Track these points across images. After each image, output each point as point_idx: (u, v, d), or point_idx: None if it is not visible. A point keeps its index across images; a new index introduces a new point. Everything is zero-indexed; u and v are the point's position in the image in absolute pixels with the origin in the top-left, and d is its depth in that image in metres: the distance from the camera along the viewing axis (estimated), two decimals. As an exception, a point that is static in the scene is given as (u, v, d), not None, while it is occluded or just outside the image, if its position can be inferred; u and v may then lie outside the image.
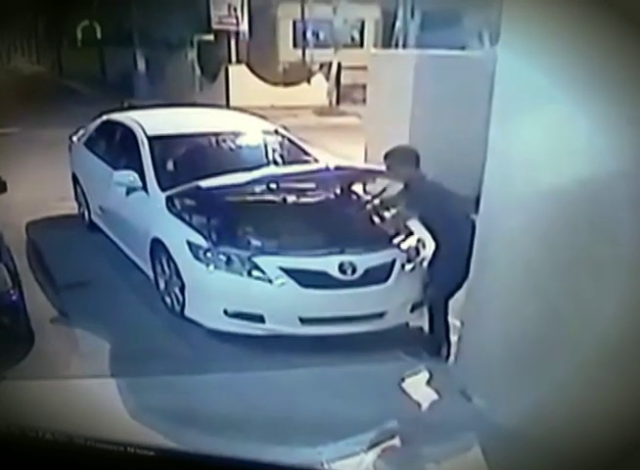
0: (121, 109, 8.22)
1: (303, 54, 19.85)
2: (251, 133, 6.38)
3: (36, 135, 11.58)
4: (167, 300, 5.03)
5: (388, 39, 16.02)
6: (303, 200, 5.21)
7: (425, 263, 4.64)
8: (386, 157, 4.54)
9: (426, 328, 4.64)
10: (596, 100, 2.87)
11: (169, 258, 4.91)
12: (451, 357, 4.39)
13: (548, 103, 3.11)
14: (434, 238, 4.44)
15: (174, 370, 4.18)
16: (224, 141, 6.08)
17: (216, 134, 6.10)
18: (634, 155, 2.77)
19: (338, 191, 5.39)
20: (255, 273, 4.52)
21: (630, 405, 2.81)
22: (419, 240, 4.75)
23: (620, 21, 2.76)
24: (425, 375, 4.28)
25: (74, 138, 7.56)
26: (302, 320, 4.49)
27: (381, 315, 4.62)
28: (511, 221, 3.53)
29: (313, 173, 5.55)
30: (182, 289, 4.80)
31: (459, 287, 4.33)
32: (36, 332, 4.33)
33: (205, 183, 5.09)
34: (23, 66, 35.56)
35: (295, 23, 20.42)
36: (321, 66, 18.80)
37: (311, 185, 5.34)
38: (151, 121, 6.31)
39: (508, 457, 3.22)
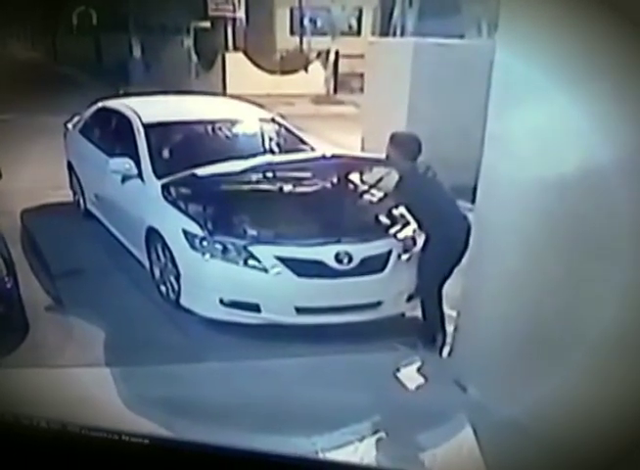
0: (117, 96, 8.17)
1: (301, 42, 19.75)
2: (248, 121, 6.35)
3: (31, 122, 11.51)
4: (163, 288, 5.01)
5: (385, 27, 15.94)
6: (300, 189, 5.19)
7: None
8: (391, 138, 4.49)
9: (420, 317, 4.65)
10: (596, 89, 2.85)
11: (165, 246, 4.89)
12: (447, 347, 4.40)
13: (546, 92, 3.09)
14: (425, 227, 4.46)
15: (169, 359, 4.16)
16: (220, 129, 6.05)
17: (212, 122, 6.07)
18: (634, 145, 2.76)
19: (334, 180, 5.36)
20: (251, 262, 4.51)
21: (627, 394, 2.82)
22: (415, 230, 4.74)
23: (620, 9, 2.74)
24: (420, 365, 4.29)
25: (69, 125, 7.52)
26: (298, 310, 4.49)
27: (377, 305, 4.62)
28: (507, 211, 3.52)
29: (310, 162, 5.52)
30: (177, 278, 4.79)
31: (449, 275, 4.37)
32: (31, 320, 4.32)
33: (200, 171, 5.07)
34: (19, 51, 35.31)
35: (292, 10, 20.32)
36: (318, 54, 18.72)
37: (308, 174, 5.32)
38: (147, 109, 6.27)
39: (503, 447, 3.22)
